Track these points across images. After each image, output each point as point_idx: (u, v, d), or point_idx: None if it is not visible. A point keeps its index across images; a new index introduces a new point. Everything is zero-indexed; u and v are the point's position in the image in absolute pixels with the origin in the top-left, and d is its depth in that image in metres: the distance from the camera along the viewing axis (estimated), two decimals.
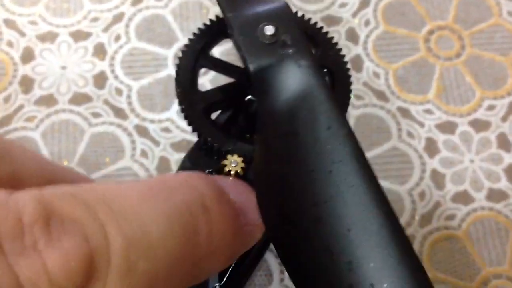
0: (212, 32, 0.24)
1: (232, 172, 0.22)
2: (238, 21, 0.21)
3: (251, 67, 0.21)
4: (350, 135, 0.19)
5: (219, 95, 0.23)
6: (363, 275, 0.18)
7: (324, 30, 0.25)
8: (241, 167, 0.22)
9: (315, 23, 0.25)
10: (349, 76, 0.24)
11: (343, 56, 0.25)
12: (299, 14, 0.25)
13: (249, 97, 0.24)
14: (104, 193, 0.14)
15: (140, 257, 0.14)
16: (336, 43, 0.25)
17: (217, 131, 0.22)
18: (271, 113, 0.21)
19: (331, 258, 0.18)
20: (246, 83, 0.24)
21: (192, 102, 0.23)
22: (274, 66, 0.21)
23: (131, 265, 0.14)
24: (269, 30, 0.20)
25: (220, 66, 0.25)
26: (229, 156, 0.22)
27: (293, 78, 0.20)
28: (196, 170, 0.23)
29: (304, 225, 0.19)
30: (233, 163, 0.22)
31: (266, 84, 0.21)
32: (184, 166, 0.24)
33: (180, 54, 0.24)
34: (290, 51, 0.21)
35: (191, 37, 0.24)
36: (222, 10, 0.21)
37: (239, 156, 0.22)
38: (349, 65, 0.25)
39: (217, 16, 0.24)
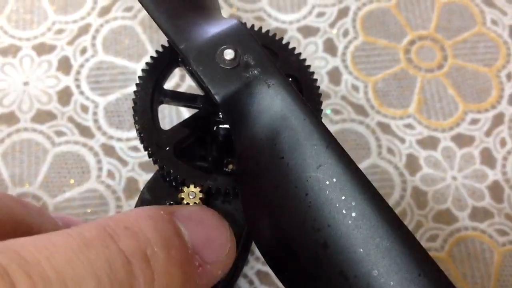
0: (162, 65, 0.23)
1: (191, 204, 0.21)
2: (193, 51, 0.19)
3: (218, 97, 0.19)
4: (336, 147, 0.18)
5: (184, 131, 0.22)
6: None
7: (278, 37, 0.24)
8: (200, 198, 0.20)
9: (267, 31, 0.24)
10: (315, 80, 0.23)
11: (304, 60, 0.23)
12: (271, 25, 0.24)
13: (224, 125, 0.22)
14: (27, 255, 0.13)
15: None
16: (294, 48, 0.23)
17: (193, 170, 0.21)
18: (250, 141, 0.19)
19: (348, 282, 0.17)
20: (210, 111, 0.22)
21: (158, 144, 0.21)
22: (242, 91, 0.19)
23: None
24: (229, 54, 0.19)
25: (178, 98, 0.23)
26: (185, 188, 0.20)
27: (266, 100, 0.19)
28: (156, 203, 0.22)
29: (310, 252, 0.18)
30: (191, 194, 0.20)
31: (238, 111, 0.19)
32: (143, 198, 0.22)
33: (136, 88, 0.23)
34: (256, 71, 0.19)
35: (141, 74, 0.23)
36: (173, 43, 0.20)
37: (195, 186, 0.20)
38: (311, 68, 0.23)
39: (163, 46, 0.23)
